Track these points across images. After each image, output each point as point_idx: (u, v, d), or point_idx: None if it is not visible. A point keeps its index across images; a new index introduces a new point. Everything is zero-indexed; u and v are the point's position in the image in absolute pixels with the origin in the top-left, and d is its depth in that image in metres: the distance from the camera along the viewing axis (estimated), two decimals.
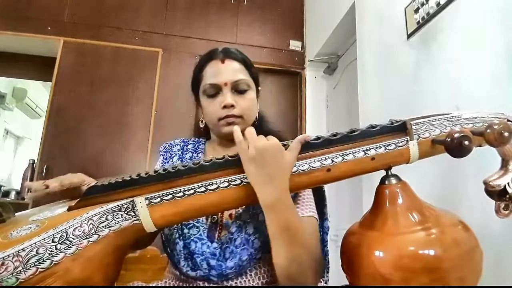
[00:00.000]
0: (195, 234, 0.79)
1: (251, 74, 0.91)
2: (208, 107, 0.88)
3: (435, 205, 0.64)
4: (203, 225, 0.80)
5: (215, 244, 0.77)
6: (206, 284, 0.76)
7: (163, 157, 0.95)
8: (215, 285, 0.76)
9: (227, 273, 0.74)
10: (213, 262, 0.74)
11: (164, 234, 0.84)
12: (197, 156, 0.93)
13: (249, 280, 0.77)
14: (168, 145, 0.98)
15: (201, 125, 0.96)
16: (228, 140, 0.90)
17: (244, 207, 0.80)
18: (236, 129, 0.66)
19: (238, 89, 0.87)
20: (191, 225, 0.80)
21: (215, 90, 0.86)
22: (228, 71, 0.87)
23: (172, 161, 0.92)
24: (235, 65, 0.88)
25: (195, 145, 0.97)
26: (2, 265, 0.52)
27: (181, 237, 0.79)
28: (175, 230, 0.80)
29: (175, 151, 0.95)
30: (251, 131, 0.65)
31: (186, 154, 0.94)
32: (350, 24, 2.17)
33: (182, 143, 0.97)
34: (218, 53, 0.90)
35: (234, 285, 0.76)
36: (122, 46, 2.65)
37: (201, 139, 0.99)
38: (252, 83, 0.90)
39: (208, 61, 0.90)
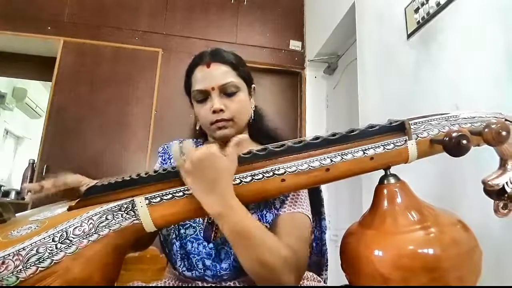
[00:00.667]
0: (192, 234, 0.79)
1: (240, 74, 0.89)
2: (199, 112, 0.88)
3: (434, 205, 0.64)
4: (199, 225, 0.80)
5: (211, 245, 0.77)
6: (205, 284, 0.77)
7: (162, 158, 0.95)
8: (214, 285, 0.76)
9: (221, 274, 0.74)
10: (208, 263, 0.75)
11: (162, 235, 0.84)
12: None
13: (240, 282, 0.77)
14: (167, 146, 0.98)
15: (197, 127, 0.95)
16: (223, 142, 0.90)
17: None
18: (173, 144, 0.66)
19: (226, 92, 0.85)
20: (188, 225, 0.80)
21: (204, 96, 0.86)
22: (215, 75, 0.85)
23: (170, 162, 0.93)
24: (221, 68, 0.86)
25: (193, 146, 0.96)
26: (2, 264, 0.53)
27: (177, 237, 0.79)
28: (172, 231, 0.81)
29: None
30: (186, 145, 0.64)
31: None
32: (350, 24, 2.17)
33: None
34: (205, 57, 0.88)
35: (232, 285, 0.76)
36: (122, 46, 2.65)
37: (199, 140, 1.00)
38: (242, 83, 0.88)
39: (195, 66, 0.88)
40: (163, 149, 0.97)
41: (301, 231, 0.76)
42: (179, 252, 0.78)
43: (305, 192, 0.83)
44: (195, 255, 0.76)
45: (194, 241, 0.78)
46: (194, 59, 0.90)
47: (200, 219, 0.81)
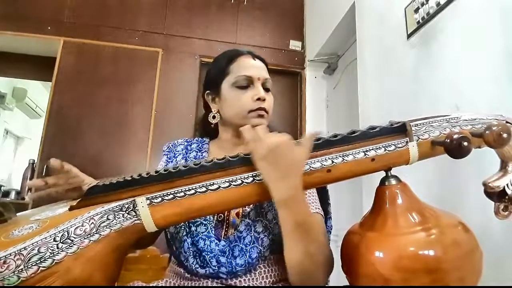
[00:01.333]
0: (203, 232, 0.79)
1: (269, 76, 0.95)
2: (237, 98, 0.88)
3: (434, 206, 0.64)
4: (210, 223, 0.81)
5: (223, 242, 0.78)
6: (209, 284, 0.77)
7: (167, 157, 0.95)
8: (218, 285, 0.77)
9: (236, 270, 0.75)
10: (223, 260, 0.75)
11: (169, 232, 0.84)
12: (202, 155, 0.93)
13: (253, 279, 0.78)
14: (172, 145, 0.98)
15: (213, 121, 0.94)
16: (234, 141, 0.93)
17: (252, 206, 0.81)
18: (247, 128, 0.66)
19: (265, 87, 0.91)
20: (199, 222, 0.80)
21: (248, 83, 0.89)
22: (260, 68, 0.93)
23: (176, 160, 0.93)
24: (262, 64, 0.95)
25: (199, 145, 0.97)
26: (4, 264, 0.52)
27: (188, 235, 0.79)
28: (182, 228, 0.81)
29: (178, 151, 0.95)
30: (261, 129, 0.65)
31: (190, 153, 0.94)
32: (350, 24, 2.17)
33: (186, 143, 0.98)
34: (245, 51, 0.95)
35: (239, 282, 0.77)
36: (122, 46, 2.64)
37: (204, 139, 1.00)
38: None
39: (237, 56, 0.93)
40: (168, 147, 0.98)
41: (325, 231, 0.79)
42: (191, 249, 0.78)
43: (315, 190, 0.85)
44: (208, 253, 0.76)
45: (206, 238, 0.78)
46: (231, 52, 0.95)
47: (211, 217, 0.82)
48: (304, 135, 0.65)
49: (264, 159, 0.62)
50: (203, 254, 0.76)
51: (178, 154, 0.94)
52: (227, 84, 0.91)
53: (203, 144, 0.97)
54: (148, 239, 0.86)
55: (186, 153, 0.94)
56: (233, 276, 0.76)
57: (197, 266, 0.77)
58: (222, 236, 0.81)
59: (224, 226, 0.82)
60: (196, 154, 0.93)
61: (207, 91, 0.97)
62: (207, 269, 0.75)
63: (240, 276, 0.77)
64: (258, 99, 0.87)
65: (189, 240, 0.79)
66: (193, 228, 0.80)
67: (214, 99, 0.95)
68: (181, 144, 0.97)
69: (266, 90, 0.91)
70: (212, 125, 0.96)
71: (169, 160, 0.94)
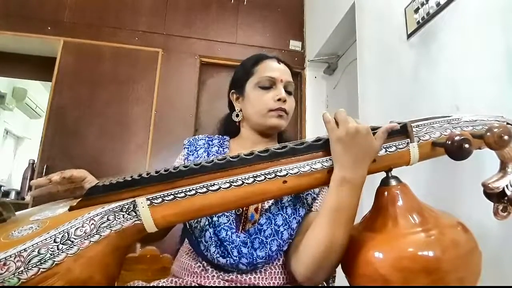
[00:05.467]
0: (226, 223, 0.80)
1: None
2: (260, 98, 0.93)
3: (434, 207, 0.64)
4: (232, 214, 0.82)
5: (243, 234, 0.79)
6: (216, 284, 0.77)
7: (188, 150, 0.96)
8: (223, 286, 0.77)
9: (257, 262, 0.76)
10: (245, 250, 0.76)
11: (187, 223, 0.84)
12: (223, 150, 0.96)
13: (263, 278, 0.79)
14: (193, 139, 1.00)
15: (236, 119, 0.99)
16: (266, 133, 0.97)
17: (273, 201, 0.82)
18: (325, 112, 0.69)
19: (287, 90, 0.96)
20: (221, 214, 0.81)
21: (271, 83, 0.94)
22: (284, 71, 0.97)
23: (197, 154, 0.94)
24: (286, 68, 0.99)
25: (220, 141, 1.00)
26: (4, 265, 0.52)
27: (210, 225, 0.80)
28: (204, 218, 0.81)
29: (200, 145, 0.97)
30: (342, 112, 0.67)
31: (212, 147, 0.96)
32: (350, 24, 2.17)
33: (207, 138, 1.00)
34: (270, 55, 1.00)
35: (248, 280, 0.77)
36: (122, 46, 2.64)
37: (225, 137, 1.02)
38: None
39: (263, 58, 0.98)
40: (188, 141, 0.99)
41: None
42: (213, 239, 0.79)
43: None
44: (229, 243, 0.77)
45: (228, 229, 0.79)
46: (258, 55, 1.01)
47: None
48: (380, 128, 0.65)
49: (340, 141, 0.64)
50: (225, 244, 0.77)
51: (199, 148, 0.96)
52: (251, 84, 0.95)
53: (224, 141, 1.00)
54: (159, 234, 0.86)
55: (208, 147, 0.96)
56: (253, 268, 0.77)
57: (218, 255, 0.77)
58: (240, 229, 0.82)
59: (242, 220, 0.83)
60: (218, 149, 0.95)
61: (232, 91, 1.01)
62: (228, 259, 0.76)
63: (251, 273, 0.78)
64: (279, 99, 0.91)
65: (211, 230, 0.79)
66: (215, 219, 0.81)
67: (238, 98, 1.00)
68: (202, 139, 0.99)
69: (288, 93, 0.95)
70: (237, 123, 1.00)
71: (190, 153, 0.95)
